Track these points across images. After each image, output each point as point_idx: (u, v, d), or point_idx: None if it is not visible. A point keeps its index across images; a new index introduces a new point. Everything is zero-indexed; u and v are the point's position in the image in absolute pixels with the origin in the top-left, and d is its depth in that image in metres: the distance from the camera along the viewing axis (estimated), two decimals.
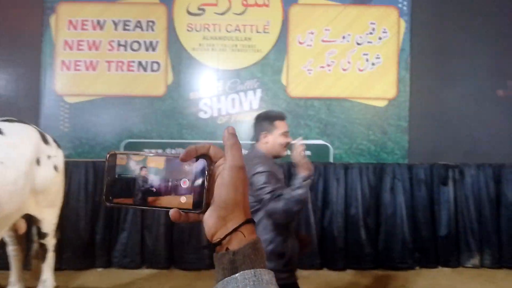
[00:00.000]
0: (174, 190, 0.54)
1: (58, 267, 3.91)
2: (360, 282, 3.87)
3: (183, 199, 0.54)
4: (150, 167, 0.55)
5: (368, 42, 4.35)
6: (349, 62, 4.35)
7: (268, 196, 1.94)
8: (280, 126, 2.16)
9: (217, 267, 0.52)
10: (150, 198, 0.55)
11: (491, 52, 4.30)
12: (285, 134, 2.17)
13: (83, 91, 4.27)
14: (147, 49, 4.30)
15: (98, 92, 4.28)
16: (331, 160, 4.32)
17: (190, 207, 0.54)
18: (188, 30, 4.29)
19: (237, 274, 0.50)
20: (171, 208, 0.54)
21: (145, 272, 3.98)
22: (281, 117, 2.22)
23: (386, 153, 4.35)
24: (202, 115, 4.29)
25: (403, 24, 4.33)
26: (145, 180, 0.55)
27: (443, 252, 4.17)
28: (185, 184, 0.54)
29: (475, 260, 4.17)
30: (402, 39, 4.33)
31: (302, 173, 1.96)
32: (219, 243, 0.52)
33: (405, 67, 4.33)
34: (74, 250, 3.93)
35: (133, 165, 0.55)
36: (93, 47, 4.25)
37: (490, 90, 4.35)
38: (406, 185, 4.20)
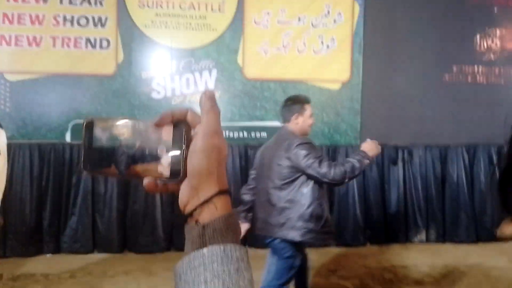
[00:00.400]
0: (151, 158, 0.51)
1: (2, 254, 3.74)
2: (315, 259, 3.96)
3: (160, 167, 0.51)
4: (127, 134, 0.52)
5: (323, 24, 4.38)
6: (304, 44, 4.37)
7: (316, 161, 2.25)
8: (309, 109, 2.50)
9: (186, 239, 0.49)
10: (127, 167, 0.52)
11: (438, 38, 4.46)
12: (312, 115, 2.53)
13: (26, 68, 4.00)
14: (95, 25, 4.08)
15: (43, 69, 4.02)
16: None
17: (168, 176, 0.51)
18: (139, 6, 4.11)
19: (205, 249, 0.46)
20: (144, 175, 0.51)
21: (97, 256, 3.86)
22: (308, 101, 2.56)
23: (339, 135, 4.44)
24: (155, 95, 4.15)
25: (357, 8, 4.39)
26: (122, 147, 0.52)
27: (392, 230, 4.36)
28: (162, 152, 0.51)
29: (422, 236, 4.40)
30: (356, 22, 4.40)
31: (369, 153, 2.37)
32: (190, 214, 0.49)
33: (358, 50, 4.40)
34: (19, 237, 3.74)
35: (110, 132, 0.52)
36: (36, 22, 3.98)
37: (437, 74, 4.52)
38: None
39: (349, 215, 4.26)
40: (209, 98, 0.52)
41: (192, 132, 0.51)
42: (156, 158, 0.51)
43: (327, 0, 4.36)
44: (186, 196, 0.50)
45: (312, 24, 4.36)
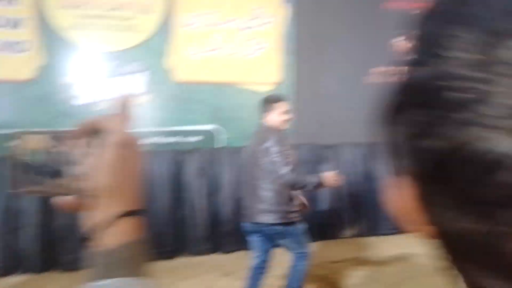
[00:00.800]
0: (73, 172, 0.48)
1: None
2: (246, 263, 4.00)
3: (78, 183, 0.47)
4: (53, 148, 0.49)
5: (253, 27, 4.41)
6: (235, 47, 4.37)
7: (282, 161, 2.59)
8: (279, 107, 2.82)
9: (89, 263, 0.44)
10: (51, 183, 0.49)
11: (363, 41, 4.68)
12: (285, 112, 2.83)
13: None
14: (11, 27, 3.76)
15: None
16: (221, 144, 4.34)
17: (72, 191, 0.47)
18: (60, 7, 3.86)
19: (108, 281, 0.42)
20: (68, 193, 0.48)
21: (16, 279, 3.58)
22: (278, 99, 2.89)
23: None
24: (78, 101, 3.92)
25: (286, 10, 4.47)
26: (46, 163, 0.49)
27: (323, 226, 4.53)
28: (82, 165, 0.48)
29: (351, 231, 4.62)
30: (286, 24, 4.48)
31: (325, 183, 2.74)
32: (92, 235, 0.44)
33: (289, 52, 4.50)
34: None
35: (33, 148, 0.50)
36: None
37: (363, 75, 4.73)
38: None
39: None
40: (121, 104, 0.48)
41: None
42: (77, 172, 0.47)
43: (256, 3, 4.40)
44: (88, 214, 0.45)
45: (242, 27, 4.37)
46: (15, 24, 3.77)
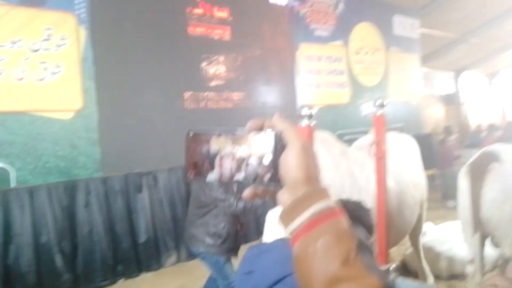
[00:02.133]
0: (249, 165, 0.55)
1: None
2: None
3: (261, 174, 0.55)
4: (226, 143, 0.57)
5: (45, 49, 3.94)
6: (23, 71, 3.83)
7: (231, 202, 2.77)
8: None
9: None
10: (227, 173, 0.56)
11: (169, 64, 4.68)
12: None
13: None
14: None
15: None
16: (13, 184, 3.71)
17: (267, 183, 0.55)
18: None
19: None
20: (249, 183, 0.56)
21: None
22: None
23: (78, 169, 4.09)
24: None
25: (83, 32, 4.14)
26: (223, 155, 0.56)
27: (144, 258, 4.29)
28: (260, 158, 0.55)
29: (173, 258, 4.49)
30: (83, 47, 4.14)
31: None
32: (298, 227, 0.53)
33: (89, 76, 4.16)
34: None
35: (210, 143, 0.57)
36: None
37: (172, 100, 4.72)
38: (102, 199, 4.08)
39: (96, 254, 3.95)
40: (282, 117, 0.56)
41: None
42: (254, 165, 0.55)
43: (47, 22, 3.96)
44: (287, 202, 0.54)
45: (31, 49, 3.86)
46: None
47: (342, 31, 6.69)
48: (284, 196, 0.55)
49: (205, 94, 4.99)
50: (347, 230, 0.54)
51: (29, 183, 3.78)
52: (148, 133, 4.54)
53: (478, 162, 2.82)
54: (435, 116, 11.16)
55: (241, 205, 2.77)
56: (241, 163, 0.56)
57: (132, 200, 4.31)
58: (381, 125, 2.31)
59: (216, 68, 5.09)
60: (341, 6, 6.68)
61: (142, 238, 4.29)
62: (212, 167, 0.58)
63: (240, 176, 0.57)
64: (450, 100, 11.94)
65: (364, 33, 7.11)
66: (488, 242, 2.87)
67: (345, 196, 2.41)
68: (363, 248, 0.55)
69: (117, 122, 4.36)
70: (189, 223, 3.12)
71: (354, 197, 2.45)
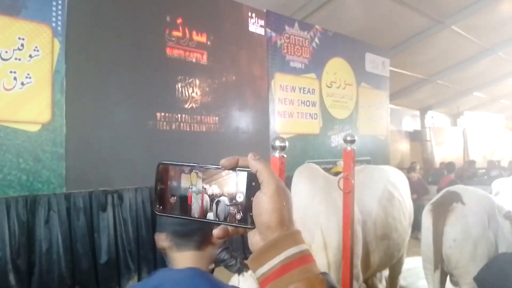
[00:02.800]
0: (221, 204, 0.54)
1: None
2: None
3: (232, 213, 0.54)
4: (198, 179, 0.55)
5: (16, 58, 3.84)
6: None
7: None
8: None
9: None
10: (197, 210, 0.55)
11: (143, 83, 4.65)
12: None
13: None
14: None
15: None
16: None
17: (238, 222, 0.54)
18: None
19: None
20: (218, 221, 0.55)
21: None
22: None
23: (40, 183, 3.94)
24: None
25: (57, 45, 4.07)
26: (194, 191, 0.55)
27: (104, 279, 4.14)
28: (232, 197, 0.54)
29: (134, 280, 4.36)
30: (56, 60, 4.07)
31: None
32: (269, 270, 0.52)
33: (60, 89, 4.07)
34: None
35: (181, 178, 0.56)
36: None
37: (143, 120, 4.66)
38: (63, 216, 3.94)
39: (54, 273, 3.78)
40: (258, 158, 0.56)
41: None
42: (226, 204, 0.54)
43: (21, 32, 3.87)
44: (257, 244, 0.54)
45: (1, 57, 3.75)
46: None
47: (316, 64, 6.89)
48: (255, 238, 0.55)
49: (179, 116, 4.96)
50: (318, 276, 0.53)
51: None
52: (116, 151, 4.45)
53: (441, 201, 2.92)
54: (401, 151, 11.54)
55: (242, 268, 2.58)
56: (212, 200, 0.55)
57: (95, 219, 4.17)
58: (350, 160, 2.37)
59: (191, 91, 5.10)
60: (316, 41, 6.90)
61: (103, 258, 4.14)
62: (182, 202, 0.56)
63: (210, 214, 0.55)
64: (416, 137, 12.40)
65: (337, 67, 7.35)
66: (448, 280, 2.96)
67: (334, 227, 2.44)
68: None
69: (85, 138, 4.26)
70: None
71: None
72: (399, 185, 3.19)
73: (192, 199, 0.56)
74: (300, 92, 6.62)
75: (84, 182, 4.19)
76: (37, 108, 3.96)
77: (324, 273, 0.55)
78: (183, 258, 1.28)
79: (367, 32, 7.77)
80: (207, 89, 5.31)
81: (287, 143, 1.68)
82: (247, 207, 0.55)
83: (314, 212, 2.53)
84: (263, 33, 6.04)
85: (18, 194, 3.77)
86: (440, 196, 3.00)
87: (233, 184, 0.55)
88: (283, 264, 0.52)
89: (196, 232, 1.27)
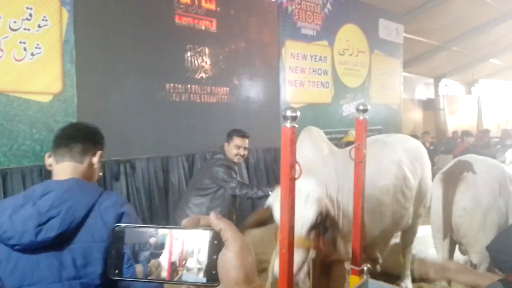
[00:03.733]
0: (183, 263, 0.54)
1: None
2: None
3: (195, 272, 0.54)
4: (157, 240, 0.54)
5: (25, 29, 3.82)
6: (2, 50, 3.71)
7: (233, 184, 3.23)
8: (236, 141, 3.40)
9: None
10: (160, 273, 0.54)
11: (152, 53, 4.61)
12: (237, 147, 3.39)
13: None
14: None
15: None
16: None
17: (202, 280, 0.54)
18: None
19: None
20: (183, 282, 0.54)
21: None
22: (237, 134, 3.41)
23: None
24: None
25: (65, 14, 4.03)
26: (153, 253, 0.54)
27: None
28: (194, 256, 0.54)
29: None
30: (65, 29, 4.04)
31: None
32: None
33: (70, 60, 4.06)
34: None
35: (139, 238, 0.54)
36: None
37: (153, 90, 4.65)
38: None
39: None
40: (219, 218, 0.57)
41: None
42: (189, 263, 0.54)
43: (29, 1, 3.84)
44: None
45: (10, 27, 3.74)
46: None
47: (328, 31, 6.74)
48: None
49: (188, 86, 4.94)
50: None
51: (3, 165, 3.68)
52: (127, 122, 4.48)
53: (452, 170, 2.90)
54: (414, 120, 11.40)
55: (243, 189, 3.15)
56: (174, 259, 0.55)
57: (108, 188, 4.25)
58: (362, 129, 2.34)
59: (200, 60, 5.05)
60: (328, 7, 6.71)
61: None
62: (139, 261, 0.55)
63: (173, 273, 0.55)
64: (429, 106, 12.21)
65: (349, 34, 7.18)
66: (457, 248, 2.98)
67: (335, 194, 2.47)
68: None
69: (97, 108, 4.28)
70: (183, 201, 3.39)
71: (344, 196, 2.51)
72: (409, 160, 3.17)
73: (153, 261, 0.55)
74: (311, 60, 6.51)
75: None
76: (48, 79, 3.97)
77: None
78: (63, 169, 1.50)
79: None
80: (217, 58, 5.25)
81: (298, 113, 1.66)
82: (209, 266, 0.55)
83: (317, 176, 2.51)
84: None
85: (32, 164, 3.85)
86: (451, 165, 2.98)
87: (195, 243, 0.55)
88: None
89: (76, 143, 1.52)
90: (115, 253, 0.55)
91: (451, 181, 2.82)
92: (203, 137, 4.89)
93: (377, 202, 2.79)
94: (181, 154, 4.85)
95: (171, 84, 4.79)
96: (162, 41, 4.69)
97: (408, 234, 3.53)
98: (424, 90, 12.48)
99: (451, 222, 2.78)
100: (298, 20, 6.27)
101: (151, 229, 0.55)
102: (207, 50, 5.12)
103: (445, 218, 2.79)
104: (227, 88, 5.34)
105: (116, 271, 0.55)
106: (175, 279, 0.54)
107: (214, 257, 0.54)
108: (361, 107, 2.28)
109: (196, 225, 0.56)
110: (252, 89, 5.69)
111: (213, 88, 5.19)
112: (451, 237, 2.83)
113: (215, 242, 0.55)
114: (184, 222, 0.56)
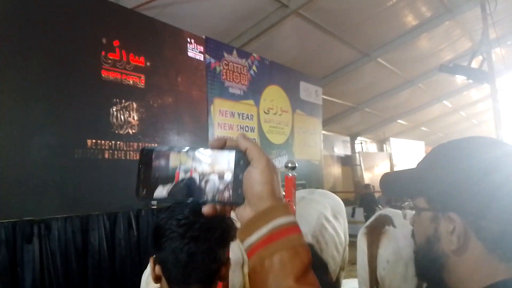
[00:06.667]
0: (210, 183, 0.54)
1: None
2: None
3: (221, 191, 0.54)
4: (186, 159, 0.55)
5: None
6: None
7: None
8: None
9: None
10: (186, 192, 0.54)
11: (75, 107, 4.43)
12: None
13: None
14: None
15: None
16: None
17: (227, 199, 0.54)
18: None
19: None
20: (207, 201, 0.55)
21: None
22: None
23: None
24: None
25: None
26: (183, 170, 0.54)
27: None
28: (220, 176, 0.54)
29: None
30: None
31: None
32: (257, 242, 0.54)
33: None
34: None
35: (168, 160, 0.54)
36: None
37: (73, 146, 4.41)
38: None
39: None
40: (245, 137, 0.57)
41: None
42: (215, 183, 0.54)
43: None
44: (248, 218, 0.55)
45: None
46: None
47: (254, 91, 7.07)
48: (246, 211, 0.56)
49: (112, 143, 4.77)
50: (303, 246, 0.55)
51: None
52: (43, 179, 4.16)
53: (374, 224, 3.09)
54: (334, 175, 12.02)
55: None
56: (201, 180, 0.55)
57: (19, 251, 3.83)
58: (291, 186, 2.43)
59: (127, 115, 4.96)
60: (254, 69, 7.09)
61: None
62: (166, 182, 0.55)
63: (200, 192, 0.55)
64: (347, 162, 13.01)
65: (273, 95, 7.58)
66: None
67: None
68: (318, 265, 0.60)
69: (10, 163, 3.94)
70: None
71: None
72: (334, 216, 3.32)
73: (180, 179, 0.55)
74: (239, 117, 6.72)
75: (7, 211, 3.86)
76: None
77: (310, 244, 0.59)
78: None
79: (301, 62, 8.14)
80: (145, 114, 5.20)
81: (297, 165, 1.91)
82: (235, 184, 0.55)
83: None
84: (202, 59, 6.09)
85: None
86: (373, 220, 3.17)
87: (222, 163, 0.55)
88: (271, 233, 0.54)
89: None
90: (143, 173, 0.55)
91: (374, 234, 2.99)
92: (127, 195, 4.67)
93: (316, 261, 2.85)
94: (102, 213, 4.56)
95: (93, 140, 4.57)
96: (86, 95, 4.54)
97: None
98: (342, 147, 13.35)
99: (376, 275, 2.91)
100: (226, 80, 6.51)
101: (178, 152, 0.55)
102: (134, 105, 5.06)
103: (370, 271, 2.91)
104: (155, 145, 5.26)
105: (144, 191, 0.55)
106: (203, 199, 0.54)
107: (240, 176, 0.54)
108: (289, 165, 2.39)
109: (222, 145, 0.57)
110: (181, 145, 5.66)
111: (140, 144, 5.08)
112: None
113: (241, 162, 0.55)
114: (211, 142, 0.56)
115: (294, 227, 0.56)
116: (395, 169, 14.29)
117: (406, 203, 0.85)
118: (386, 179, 0.95)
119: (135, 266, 4.72)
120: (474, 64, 7.40)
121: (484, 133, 15.72)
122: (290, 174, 2.43)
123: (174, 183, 0.55)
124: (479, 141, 0.79)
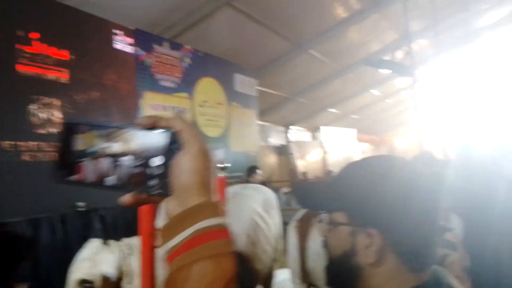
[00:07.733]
0: (132, 166, 0.47)
1: None
2: None
3: (146, 178, 0.47)
4: (109, 141, 0.48)
5: None
6: None
7: None
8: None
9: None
10: (105, 176, 0.48)
11: None
12: None
13: None
14: None
15: None
16: None
17: (151, 188, 0.48)
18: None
19: None
20: (127, 187, 0.48)
21: None
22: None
23: None
24: None
25: None
26: (106, 155, 0.48)
27: None
28: (146, 160, 0.47)
29: None
30: None
31: None
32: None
33: None
34: None
35: (91, 138, 0.48)
36: None
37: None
38: None
39: None
40: (181, 118, 0.50)
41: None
42: (141, 168, 0.47)
43: None
44: (174, 210, 0.48)
45: None
46: None
47: (187, 83, 6.93)
48: (171, 204, 0.48)
49: (32, 143, 4.42)
50: (228, 256, 0.47)
51: None
52: None
53: (304, 217, 3.18)
54: (270, 165, 12.22)
55: None
56: (124, 162, 0.47)
57: None
58: (222, 187, 2.43)
59: (49, 114, 4.63)
60: (187, 61, 6.94)
61: None
62: (86, 162, 0.48)
63: (120, 176, 0.47)
64: (282, 151, 13.27)
65: (208, 87, 7.50)
66: None
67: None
68: (243, 279, 0.55)
69: None
70: None
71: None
72: (266, 210, 3.37)
73: (98, 162, 0.47)
74: (172, 111, 6.56)
75: None
76: None
77: (237, 252, 0.53)
78: None
79: (235, 53, 8.11)
80: (70, 110, 4.89)
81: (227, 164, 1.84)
82: (163, 171, 0.47)
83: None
84: (131, 51, 5.85)
85: None
86: (303, 213, 3.26)
87: (150, 144, 0.47)
88: (194, 236, 0.46)
89: None
90: (61, 152, 0.48)
91: (304, 227, 3.08)
92: (52, 198, 4.36)
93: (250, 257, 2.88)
94: (24, 220, 4.24)
95: (11, 142, 4.21)
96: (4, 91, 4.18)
97: (267, 281, 3.68)
98: (277, 137, 13.59)
99: (307, 267, 3.00)
100: (157, 72, 6.32)
101: (103, 129, 0.47)
102: (58, 102, 4.74)
103: (301, 263, 3.01)
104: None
105: (63, 174, 0.48)
106: (122, 185, 0.47)
107: (170, 162, 0.47)
108: (219, 166, 2.38)
109: (152, 124, 0.48)
110: (108, 121, 5.41)
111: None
112: (308, 281, 3.06)
113: (174, 145, 0.47)
114: (139, 120, 0.48)
115: (221, 231, 0.48)
116: (327, 156, 14.86)
117: (323, 216, 0.87)
118: (302, 189, 0.96)
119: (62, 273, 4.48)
120: (400, 54, 7.85)
121: (407, 119, 16.84)
122: (220, 176, 2.41)
123: (94, 164, 0.48)
124: (391, 162, 0.85)
